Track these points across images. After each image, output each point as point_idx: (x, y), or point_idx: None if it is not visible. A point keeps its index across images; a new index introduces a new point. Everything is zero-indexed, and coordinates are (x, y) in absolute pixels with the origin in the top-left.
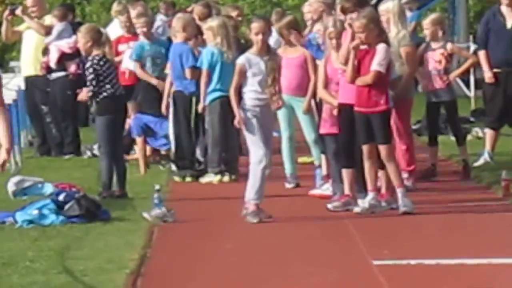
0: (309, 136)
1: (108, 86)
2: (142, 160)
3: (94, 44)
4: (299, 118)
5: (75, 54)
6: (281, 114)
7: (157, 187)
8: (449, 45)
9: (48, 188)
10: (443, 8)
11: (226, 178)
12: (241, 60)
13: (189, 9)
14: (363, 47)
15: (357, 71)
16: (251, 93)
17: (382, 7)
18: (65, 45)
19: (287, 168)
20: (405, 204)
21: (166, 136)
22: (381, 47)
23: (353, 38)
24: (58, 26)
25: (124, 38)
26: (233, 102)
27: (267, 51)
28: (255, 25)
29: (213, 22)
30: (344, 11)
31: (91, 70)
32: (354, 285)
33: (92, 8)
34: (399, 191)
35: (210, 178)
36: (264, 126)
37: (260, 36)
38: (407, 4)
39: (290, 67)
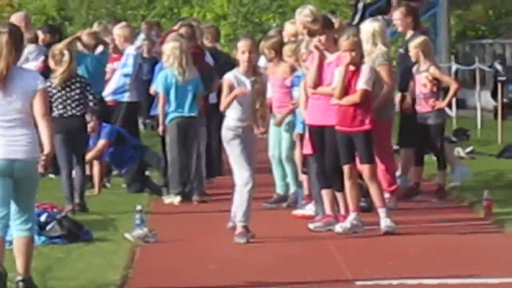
0: (284, 153)
1: (59, 106)
2: (97, 179)
3: (56, 64)
4: (281, 135)
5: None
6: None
7: (138, 207)
8: (431, 69)
9: None
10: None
11: (195, 198)
12: (228, 76)
13: (175, 27)
14: (351, 68)
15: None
16: (235, 113)
17: (363, 27)
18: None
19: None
20: (387, 224)
21: (134, 147)
22: (366, 67)
23: (320, 61)
24: (26, 49)
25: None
26: (226, 100)
27: (253, 71)
28: (242, 43)
29: (168, 44)
30: (312, 33)
31: None
32: None
33: (73, 29)
34: (381, 211)
35: (171, 198)
36: (248, 146)
37: (246, 55)
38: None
39: (274, 87)
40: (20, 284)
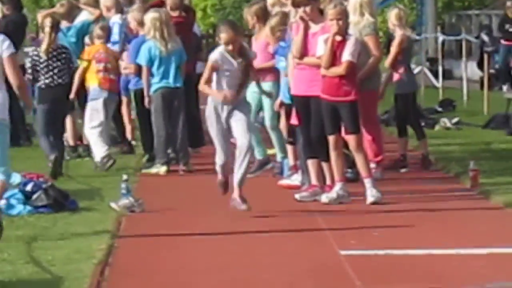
0: (267, 121)
1: (44, 77)
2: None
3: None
4: (263, 103)
5: None
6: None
7: (124, 177)
8: (396, 39)
9: (16, 178)
10: None
11: (181, 167)
12: (214, 56)
13: None
14: (338, 38)
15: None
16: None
17: None
18: None
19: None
20: (373, 194)
21: None
22: (352, 38)
23: (305, 31)
24: None
25: None
26: (209, 92)
27: (240, 52)
28: (224, 36)
29: (148, 15)
30: (298, 4)
31: (29, 59)
32: (321, 275)
33: None
34: (367, 181)
35: (157, 168)
36: (233, 122)
37: (230, 47)
38: None
39: (256, 51)
40: None
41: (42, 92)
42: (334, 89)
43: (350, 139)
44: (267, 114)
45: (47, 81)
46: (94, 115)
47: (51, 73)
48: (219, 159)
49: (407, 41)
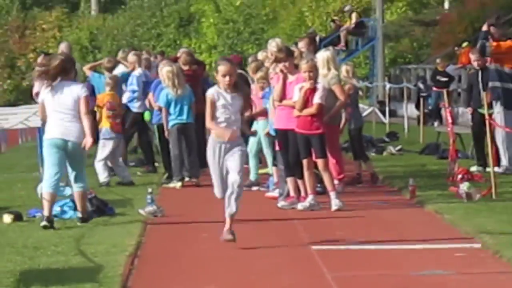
0: (265, 149)
1: None
2: None
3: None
4: (260, 136)
5: None
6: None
7: (149, 189)
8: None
9: (68, 191)
10: (366, 56)
11: (190, 182)
12: (209, 92)
13: (178, 54)
14: (310, 86)
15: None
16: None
17: (318, 55)
18: None
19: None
20: (337, 203)
21: None
22: (320, 85)
23: (284, 80)
24: None
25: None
26: (215, 129)
27: (234, 88)
28: (222, 68)
29: (163, 69)
30: (279, 60)
31: None
32: (297, 264)
33: (101, 55)
34: (332, 194)
35: (174, 184)
36: (229, 158)
37: (227, 78)
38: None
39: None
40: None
41: None
42: (307, 125)
43: (319, 162)
44: (264, 144)
45: None
46: (104, 151)
47: None
48: (216, 193)
49: (354, 89)
